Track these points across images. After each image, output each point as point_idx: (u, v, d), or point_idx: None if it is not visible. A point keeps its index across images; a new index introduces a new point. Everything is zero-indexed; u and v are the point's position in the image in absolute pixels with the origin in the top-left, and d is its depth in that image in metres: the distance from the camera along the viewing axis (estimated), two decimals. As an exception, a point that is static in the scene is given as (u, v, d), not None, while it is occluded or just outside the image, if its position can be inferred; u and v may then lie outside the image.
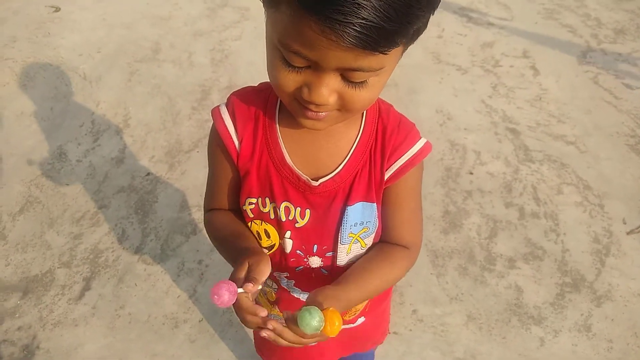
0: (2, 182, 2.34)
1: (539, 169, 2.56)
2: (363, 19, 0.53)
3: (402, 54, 0.68)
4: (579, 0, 4.19)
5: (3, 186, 2.32)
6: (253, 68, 3.13)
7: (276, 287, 1.00)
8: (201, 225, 2.18)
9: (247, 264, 0.75)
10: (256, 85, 0.89)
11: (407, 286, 2.01)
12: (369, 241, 0.90)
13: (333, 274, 0.92)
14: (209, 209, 0.96)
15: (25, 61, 3.09)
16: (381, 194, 0.87)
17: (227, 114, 0.85)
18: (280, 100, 0.83)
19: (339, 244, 0.88)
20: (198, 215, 2.23)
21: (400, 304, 1.96)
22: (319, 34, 0.56)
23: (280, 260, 0.93)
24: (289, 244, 0.89)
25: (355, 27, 0.54)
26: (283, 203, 0.85)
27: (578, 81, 3.23)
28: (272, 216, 0.87)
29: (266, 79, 0.88)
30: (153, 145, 2.57)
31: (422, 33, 0.66)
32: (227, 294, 0.67)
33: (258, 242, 0.90)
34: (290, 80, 0.66)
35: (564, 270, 2.10)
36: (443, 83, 3.11)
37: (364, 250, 0.91)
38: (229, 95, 0.88)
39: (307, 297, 0.75)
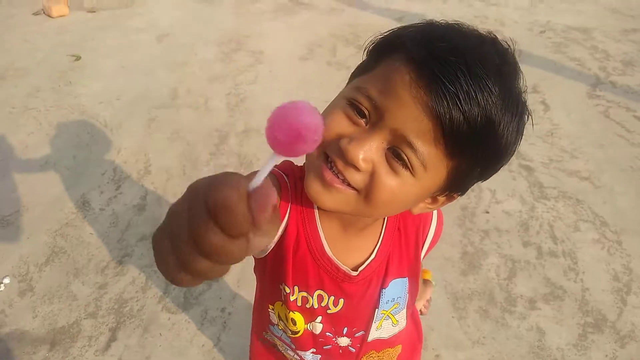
0: (29, 232, 2.40)
1: (555, 206, 2.57)
2: (461, 86, 0.55)
3: (436, 192, 0.69)
4: (586, 33, 4.27)
5: (29, 236, 2.38)
6: (268, 111, 3.16)
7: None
8: (223, 272, 2.22)
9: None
10: (296, 164, 0.84)
11: (429, 330, 2.02)
12: (400, 317, 0.92)
13: (361, 351, 0.94)
14: None
15: (49, 110, 3.20)
16: (418, 268, 0.89)
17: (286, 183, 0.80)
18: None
19: (373, 323, 0.89)
20: (219, 261, 2.26)
21: (423, 349, 1.96)
22: (406, 82, 0.58)
23: (306, 341, 0.91)
24: (318, 327, 0.88)
25: (445, 102, 0.56)
26: (317, 292, 0.83)
27: (589, 115, 3.26)
28: (300, 304, 0.85)
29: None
30: (173, 191, 2.63)
31: (467, 186, 0.70)
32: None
33: (284, 325, 0.90)
34: (339, 124, 0.63)
35: (585, 310, 2.10)
36: (455, 120, 3.16)
37: (396, 327, 0.93)
38: (282, 167, 0.83)
39: None
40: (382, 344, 0.95)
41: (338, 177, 0.63)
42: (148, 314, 2.07)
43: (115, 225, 2.44)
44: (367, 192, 0.63)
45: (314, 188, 0.65)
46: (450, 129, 0.57)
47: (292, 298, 0.84)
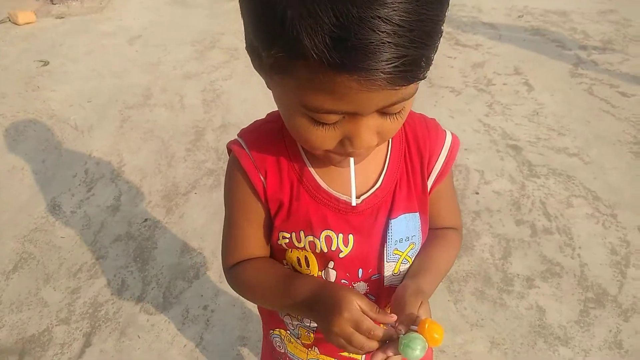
0: (-5, 240, 2.26)
1: (545, 184, 2.49)
2: (402, 57, 0.49)
3: None
4: (564, 16, 4.24)
5: (-4, 244, 2.24)
6: (246, 105, 3.10)
7: (315, 326, 0.90)
8: (204, 268, 2.10)
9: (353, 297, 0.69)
10: (263, 117, 0.83)
11: (423, 316, 1.91)
12: None
13: (381, 298, 0.85)
14: (234, 262, 0.85)
15: (15, 116, 3.05)
16: (426, 201, 0.82)
17: (247, 147, 0.78)
18: None
19: (384, 262, 0.81)
20: (200, 258, 2.14)
21: (419, 335, 1.86)
22: (357, 88, 0.51)
23: None
24: (332, 275, 0.81)
25: (398, 68, 0.49)
26: (323, 232, 0.78)
27: (573, 93, 3.21)
28: (309, 250, 0.79)
29: (261, 115, 0.83)
30: (149, 190, 2.51)
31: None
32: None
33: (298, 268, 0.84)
34: (328, 139, 0.62)
35: (584, 285, 2.01)
36: (438, 106, 3.09)
37: None
38: (238, 133, 0.82)
39: (394, 299, 0.74)
40: None
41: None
42: (125, 316, 1.93)
43: (88, 228, 2.30)
44: (384, 138, 0.65)
45: (345, 164, 0.70)
46: (418, 65, 0.52)
47: (299, 245, 0.79)
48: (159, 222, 2.32)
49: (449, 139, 0.84)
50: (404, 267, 0.83)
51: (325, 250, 0.78)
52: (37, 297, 2.01)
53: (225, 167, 0.84)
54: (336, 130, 0.60)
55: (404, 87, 0.53)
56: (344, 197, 0.77)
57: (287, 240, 0.79)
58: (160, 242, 2.23)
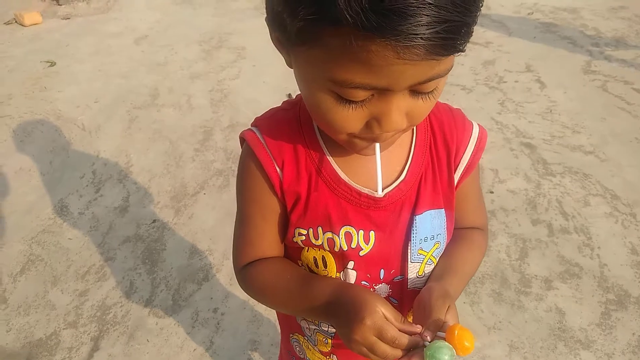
0: (2, 241, 2.22)
1: (562, 182, 2.44)
2: (444, 22, 0.45)
3: None
4: (574, 12, 4.18)
5: (3, 246, 2.20)
6: (254, 105, 3.06)
7: (333, 332, 0.85)
8: (214, 270, 2.05)
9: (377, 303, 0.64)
10: (279, 105, 0.78)
11: (439, 318, 1.86)
12: None
13: (404, 302, 0.80)
14: (247, 262, 0.79)
15: (22, 117, 3.03)
16: (452, 197, 0.76)
17: (262, 136, 0.73)
18: None
19: (408, 262, 0.75)
20: (209, 260, 2.10)
21: (435, 338, 1.81)
22: (390, 56, 0.46)
23: None
24: (352, 276, 0.75)
25: (439, 34, 0.45)
26: (343, 228, 0.72)
27: (586, 90, 3.15)
28: (327, 248, 0.73)
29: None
30: (157, 190, 2.47)
31: None
32: None
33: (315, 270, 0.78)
34: (354, 120, 0.56)
35: (605, 286, 1.96)
36: (449, 104, 3.03)
37: None
38: (252, 122, 0.77)
39: (418, 303, 0.69)
40: None
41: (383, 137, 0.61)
42: (133, 319, 1.89)
43: (96, 229, 2.26)
44: (413, 122, 0.60)
45: (370, 152, 0.64)
46: (457, 33, 0.47)
47: (317, 242, 0.73)
48: (168, 223, 2.29)
49: (476, 130, 0.78)
50: (428, 269, 0.78)
51: (345, 248, 0.72)
52: (44, 299, 1.98)
53: (234, 167, 0.80)
54: (364, 109, 0.55)
55: (442, 58, 0.49)
56: (365, 191, 0.71)
57: (304, 238, 0.74)
58: (169, 243, 2.19)
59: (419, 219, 0.73)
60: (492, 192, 2.39)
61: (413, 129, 0.74)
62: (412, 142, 0.74)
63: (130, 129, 2.94)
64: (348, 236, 0.72)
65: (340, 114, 0.56)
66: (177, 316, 1.90)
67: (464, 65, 3.45)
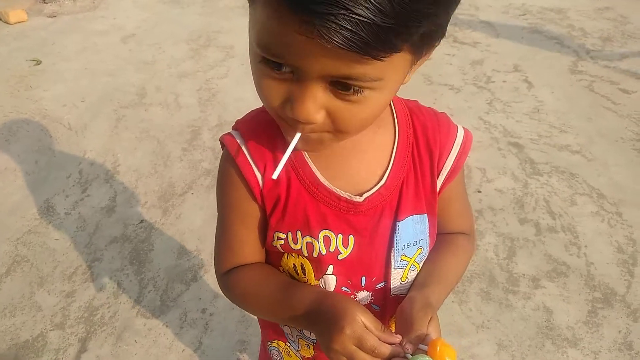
0: (-14, 243, 2.19)
1: (549, 181, 2.46)
2: (351, 12, 0.43)
3: (412, 67, 0.56)
4: (561, 13, 4.22)
5: (-13, 247, 2.17)
6: (242, 104, 3.05)
7: (314, 339, 0.84)
8: (202, 270, 2.04)
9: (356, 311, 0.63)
10: (259, 107, 0.76)
11: (428, 317, 1.87)
12: None
13: (386, 309, 0.79)
14: (228, 268, 0.78)
15: (7, 116, 2.98)
16: (435, 202, 0.75)
17: (242, 140, 0.72)
18: None
19: (391, 269, 0.74)
20: (197, 260, 2.09)
21: (424, 337, 1.82)
22: (298, 32, 0.46)
23: None
24: (331, 282, 0.74)
25: (340, 23, 0.43)
26: (321, 232, 0.71)
27: (573, 90, 3.18)
28: (306, 253, 0.73)
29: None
30: (145, 190, 2.45)
31: (436, 41, 0.54)
32: None
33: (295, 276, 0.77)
34: (275, 91, 0.56)
35: (591, 285, 1.98)
36: (437, 103, 3.05)
37: None
38: (233, 124, 0.75)
39: (399, 313, 0.68)
40: None
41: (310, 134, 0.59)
42: (121, 320, 1.87)
43: (83, 229, 2.24)
44: (338, 128, 0.57)
45: (298, 144, 0.61)
46: (369, 34, 0.45)
47: (296, 247, 0.72)
48: (155, 224, 2.27)
49: (460, 133, 0.77)
50: (412, 275, 0.77)
51: (324, 252, 0.72)
52: (30, 301, 1.95)
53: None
54: (285, 85, 0.54)
55: (356, 58, 0.47)
56: (344, 195, 0.70)
57: (283, 242, 0.73)
58: (156, 243, 2.17)
59: (401, 225, 0.73)
60: (479, 192, 2.40)
61: (395, 133, 0.73)
62: (393, 146, 0.73)
63: (117, 128, 2.91)
64: (327, 240, 0.72)
65: (265, 82, 0.55)
66: (166, 317, 1.89)
67: (452, 65, 3.47)
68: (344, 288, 0.76)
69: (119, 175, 2.55)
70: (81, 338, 1.82)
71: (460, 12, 4.22)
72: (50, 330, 1.85)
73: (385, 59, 0.47)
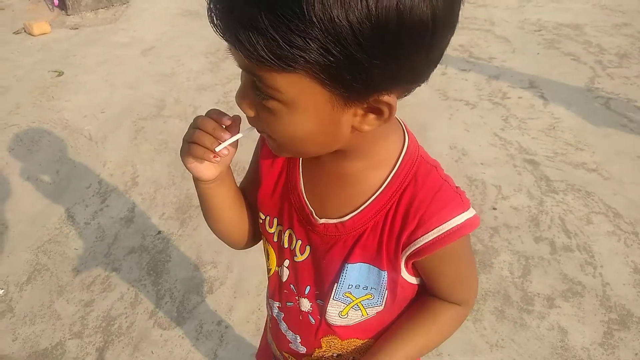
0: (9, 250, 2.24)
1: (564, 199, 2.45)
2: (229, 2, 0.49)
3: (351, 108, 0.55)
4: (578, 29, 4.21)
5: (9, 255, 2.22)
6: (259, 117, 3.08)
7: (270, 314, 0.93)
8: (218, 282, 2.07)
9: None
10: None
11: (442, 334, 1.87)
12: (372, 312, 0.77)
13: (320, 328, 0.82)
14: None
15: (30, 126, 3.06)
16: (398, 266, 0.72)
17: None
18: None
19: (331, 298, 0.76)
20: (214, 272, 2.12)
21: (437, 356, 1.82)
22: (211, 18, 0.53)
23: (275, 287, 0.86)
24: (285, 274, 0.82)
25: (219, 7, 0.50)
26: (288, 230, 0.79)
27: (590, 107, 3.17)
28: (275, 239, 0.81)
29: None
30: (163, 202, 2.49)
31: (381, 85, 0.52)
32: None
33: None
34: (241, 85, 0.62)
35: (607, 305, 1.96)
36: (453, 119, 3.06)
37: (365, 320, 0.78)
38: None
39: None
40: (347, 332, 0.81)
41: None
42: (138, 330, 1.90)
43: (102, 239, 2.28)
44: (267, 134, 0.62)
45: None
46: (223, 18, 0.52)
47: (270, 230, 0.81)
48: (173, 235, 2.30)
49: (460, 218, 0.67)
50: (354, 314, 0.77)
51: (285, 246, 0.79)
52: (50, 309, 1.99)
53: (239, 179, 0.87)
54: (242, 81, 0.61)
55: (228, 38, 0.50)
56: (309, 208, 0.74)
57: (261, 222, 0.82)
58: (174, 255, 2.21)
59: (349, 267, 0.73)
60: (495, 209, 2.40)
61: (383, 183, 0.69)
62: (371, 197, 0.70)
63: (137, 139, 2.96)
64: (290, 239, 0.79)
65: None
66: (182, 328, 1.91)
67: (467, 81, 3.48)
68: (291, 286, 0.82)
69: (138, 187, 2.59)
70: (99, 347, 1.85)
71: (475, 27, 4.24)
72: (69, 339, 1.88)
73: (268, 66, 0.49)
